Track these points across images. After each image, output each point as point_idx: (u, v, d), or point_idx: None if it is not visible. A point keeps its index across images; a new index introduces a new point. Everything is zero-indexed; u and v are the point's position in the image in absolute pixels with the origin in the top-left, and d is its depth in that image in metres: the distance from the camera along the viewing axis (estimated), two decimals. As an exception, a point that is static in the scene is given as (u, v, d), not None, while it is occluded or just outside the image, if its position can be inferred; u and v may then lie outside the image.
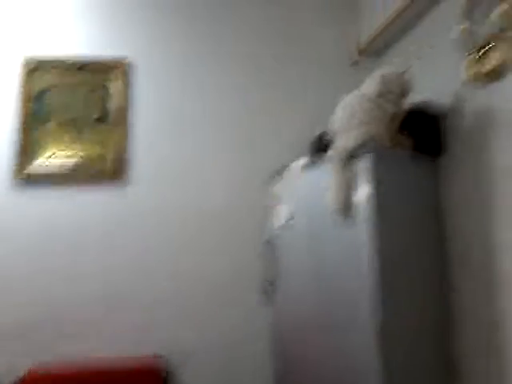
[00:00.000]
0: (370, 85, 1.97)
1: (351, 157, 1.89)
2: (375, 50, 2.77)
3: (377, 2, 2.66)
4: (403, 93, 2.01)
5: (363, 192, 1.86)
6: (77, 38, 2.71)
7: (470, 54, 1.94)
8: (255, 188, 2.60)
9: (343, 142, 1.91)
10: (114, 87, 2.66)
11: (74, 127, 2.61)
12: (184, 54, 2.81)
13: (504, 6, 1.78)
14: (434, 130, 2.15)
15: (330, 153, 1.92)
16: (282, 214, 2.21)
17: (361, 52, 2.84)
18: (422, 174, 2.14)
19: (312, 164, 2.10)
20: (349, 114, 1.93)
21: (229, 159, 2.74)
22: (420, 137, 2.12)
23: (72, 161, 2.58)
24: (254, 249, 2.50)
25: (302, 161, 2.17)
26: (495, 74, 1.86)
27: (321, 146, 2.48)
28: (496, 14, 1.81)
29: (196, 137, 2.74)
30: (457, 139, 2.10)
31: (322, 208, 1.97)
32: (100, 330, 2.46)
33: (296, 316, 2.15)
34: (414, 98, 2.09)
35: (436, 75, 2.25)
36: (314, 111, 2.76)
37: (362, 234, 1.85)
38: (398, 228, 1.93)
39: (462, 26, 1.99)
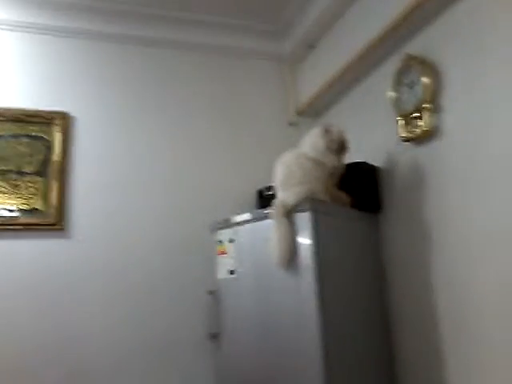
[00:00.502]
0: (311, 139, 2.11)
1: (291, 212, 1.99)
2: (313, 111, 2.97)
3: (316, 67, 2.88)
4: (342, 148, 2.16)
5: (304, 245, 1.96)
6: (18, 91, 2.70)
7: (400, 119, 2.15)
8: (200, 239, 2.62)
9: (284, 197, 2.01)
10: (54, 140, 2.65)
11: (12, 178, 2.57)
12: (126, 111, 2.85)
13: (425, 80, 2.01)
14: (371, 188, 2.32)
15: (271, 207, 2.02)
16: (226, 264, 2.25)
17: (300, 113, 3.03)
18: (361, 227, 2.28)
19: (256, 216, 2.18)
20: (288, 172, 2.04)
21: (172, 211, 2.75)
22: (359, 193, 2.27)
23: (10, 211, 2.52)
24: (197, 299, 2.48)
25: (247, 213, 2.24)
26: (422, 139, 2.07)
27: (264, 200, 2.58)
28: (419, 86, 2.04)
29: (137, 188, 2.75)
30: (392, 196, 2.28)
31: (266, 259, 2.04)
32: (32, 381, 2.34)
33: (241, 368, 2.14)
34: (352, 158, 2.26)
35: (370, 137, 2.45)
36: (257, 167, 2.87)
37: (304, 284, 1.92)
38: (339, 278, 2.02)
39: (392, 94, 2.21)
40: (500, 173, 1.71)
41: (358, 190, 2.28)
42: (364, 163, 2.32)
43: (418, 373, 2.05)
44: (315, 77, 2.84)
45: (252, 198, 2.80)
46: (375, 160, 2.35)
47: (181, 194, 2.81)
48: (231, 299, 2.24)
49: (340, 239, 2.11)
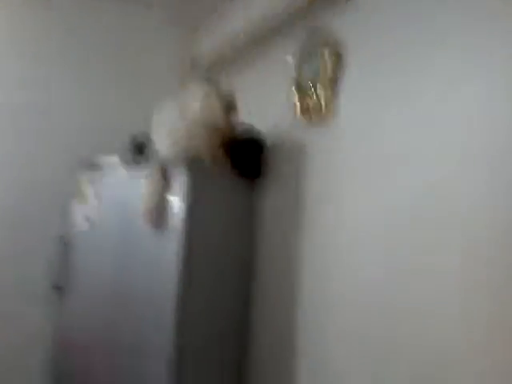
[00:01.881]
0: (193, 96, 1.95)
1: (167, 167, 1.83)
2: (211, 66, 2.76)
3: (216, 24, 2.67)
4: (228, 109, 2.04)
5: (176, 204, 1.82)
6: None
7: (297, 92, 2.07)
8: (59, 181, 2.30)
9: (162, 152, 1.84)
10: None
11: None
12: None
13: (327, 55, 1.94)
14: (255, 154, 2.22)
15: (146, 159, 1.83)
16: (84, 212, 2.01)
17: (195, 67, 2.80)
18: (239, 193, 2.18)
19: (127, 164, 1.97)
20: (170, 126, 1.86)
21: (28, 147, 2.38)
22: (241, 158, 2.17)
23: None
24: (47, 248, 2.17)
25: (117, 158, 2.02)
26: (316, 116, 2.00)
27: (138, 149, 2.36)
28: (321, 60, 1.97)
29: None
30: (274, 165, 2.21)
31: (131, 213, 1.86)
32: None
33: (86, 328, 1.95)
34: (243, 125, 2.15)
35: (266, 106, 2.33)
36: (138, 111, 2.59)
37: (169, 247, 1.79)
38: (209, 242, 1.92)
39: (292, 64, 2.12)
40: (390, 168, 1.70)
41: (242, 155, 2.18)
42: (252, 128, 2.22)
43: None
44: (215, 34, 2.62)
45: (125, 142, 2.55)
46: (266, 129, 2.25)
47: (42, 128, 2.44)
48: (85, 251, 2.02)
49: (214, 200, 2.00)
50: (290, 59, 2.12)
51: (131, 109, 2.66)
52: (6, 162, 2.34)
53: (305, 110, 2.04)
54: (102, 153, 2.35)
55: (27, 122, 2.42)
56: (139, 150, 2.11)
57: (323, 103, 1.95)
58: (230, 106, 2.05)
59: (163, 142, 1.87)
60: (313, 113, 2.00)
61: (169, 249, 1.79)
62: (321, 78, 1.96)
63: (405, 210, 1.60)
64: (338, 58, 1.94)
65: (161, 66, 2.87)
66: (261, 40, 2.37)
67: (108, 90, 2.67)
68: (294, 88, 2.09)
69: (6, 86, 2.42)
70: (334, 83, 1.94)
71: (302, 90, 2.05)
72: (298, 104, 2.07)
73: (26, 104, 2.43)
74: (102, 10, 2.73)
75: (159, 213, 1.79)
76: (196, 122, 1.88)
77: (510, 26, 1.36)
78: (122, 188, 1.96)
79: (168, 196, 1.81)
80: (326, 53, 1.94)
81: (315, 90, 1.98)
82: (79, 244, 2.02)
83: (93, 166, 2.04)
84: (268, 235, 2.18)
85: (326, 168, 1.96)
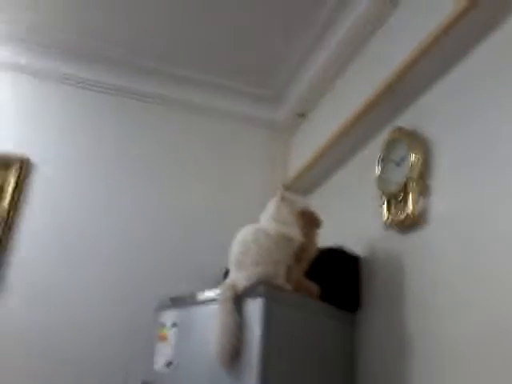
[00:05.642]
0: (271, 210, 1.79)
1: (241, 297, 1.63)
2: (301, 187, 2.66)
3: (306, 139, 2.61)
4: (313, 223, 1.86)
5: (252, 339, 1.58)
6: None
7: (385, 201, 1.84)
8: (142, 319, 2.21)
9: (235, 279, 1.67)
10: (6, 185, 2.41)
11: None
12: (93, 173, 2.61)
13: (414, 156, 1.71)
14: (350, 280, 1.95)
15: (217, 291, 1.67)
16: (164, 353, 1.86)
17: (287, 188, 2.72)
18: (331, 326, 1.86)
19: (202, 299, 1.82)
20: (244, 250, 1.69)
21: (121, 286, 2.37)
22: (333, 285, 1.90)
23: None
24: None
25: (194, 293, 1.88)
26: (408, 225, 1.73)
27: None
28: (407, 163, 1.74)
29: (85, 249, 2.42)
30: (372, 293, 1.90)
31: (209, 353, 1.66)
32: None
33: None
34: (330, 243, 1.94)
35: (354, 220, 2.13)
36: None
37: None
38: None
39: (378, 171, 1.91)
40: (500, 268, 1.34)
41: (333, 281, 1.92)
42: (343, 250, 1.98)
43: None
44: (305, 150, 2.56)
45: (219, 276, 2.44)
46: (356, 249, 2.01)
47: (135, 266, 2.43)
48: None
49: (300, 337, 1.71)
50: (376, 169, 1.92)
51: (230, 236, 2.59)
52: (101, 305, 2.33)
53: (394, 219, 1.77)
54: (186, 289, 2.28)
55: (108, 258, 2.44)
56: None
57: (414, 207, 1.68)
58: (312, 220, 1.87)
59: (237, 269, 1.70)
60: (403, 220, 1.72)
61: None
62: (409, 180, 1.71)
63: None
64: (427, 157, 1.71)
65: (255, 187, 2.79)
66: (348, 148, 2.24)
67: (202, 217, 2.65)
68: (381, 196, 1.85)
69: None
70: (423, 183, 1.69)
71: (389, 196, 1.81)
72: (386, 213, 1.81)
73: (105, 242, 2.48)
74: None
75: (232, 352, 1.56)
76: (272, 242, 1.70)
77: None
78: (200, 325, 1.79)
79: (242, 330, 1.59)
80: (414, 154, 1.72)
81: (404, 193, 1.73)
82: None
83: (175, 304, 1.93)
84: (371, 372, 1.80)
85: (427, 284, 1.61)
